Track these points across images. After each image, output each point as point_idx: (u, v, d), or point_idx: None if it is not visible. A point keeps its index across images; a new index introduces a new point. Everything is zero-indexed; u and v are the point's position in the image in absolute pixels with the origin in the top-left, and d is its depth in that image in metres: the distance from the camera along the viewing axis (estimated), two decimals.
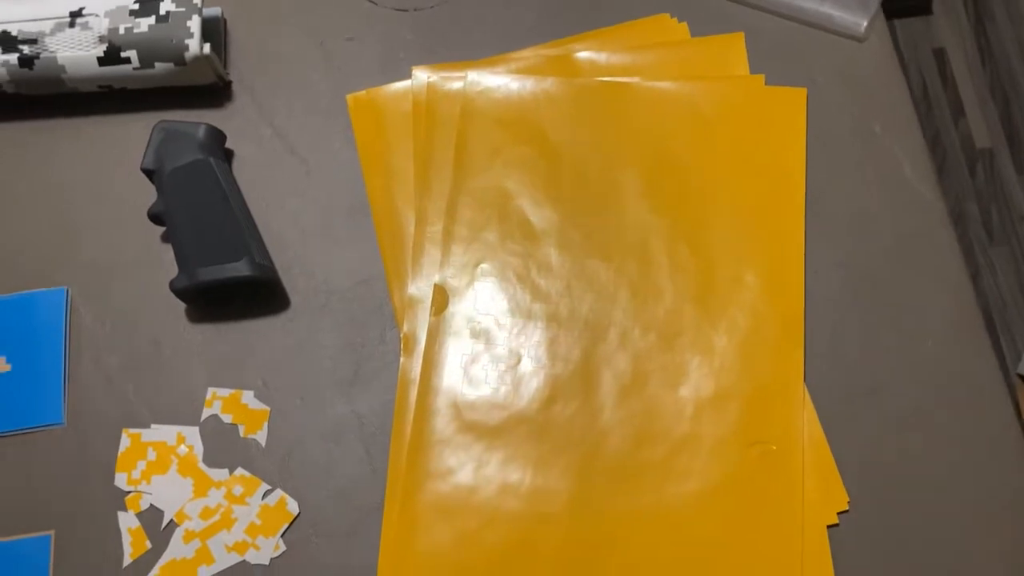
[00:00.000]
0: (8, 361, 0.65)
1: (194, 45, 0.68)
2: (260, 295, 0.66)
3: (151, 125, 0.68)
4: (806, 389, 0.62)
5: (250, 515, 0.60)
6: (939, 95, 1.52)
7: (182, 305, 0.66)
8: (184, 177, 0.65)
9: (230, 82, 0.72)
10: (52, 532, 0.61)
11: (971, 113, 1.51)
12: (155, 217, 0.66)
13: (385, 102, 0.71)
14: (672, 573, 0.58)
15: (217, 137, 0.68)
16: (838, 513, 0.59)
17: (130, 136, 0.71)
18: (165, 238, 0.68)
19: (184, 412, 0.63)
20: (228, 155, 0.70)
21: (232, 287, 0.64)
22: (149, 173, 0.66)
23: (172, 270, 0.66)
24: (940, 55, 1.54)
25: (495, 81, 0.70)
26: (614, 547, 0.59)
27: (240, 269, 0.63)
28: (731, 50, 0.69)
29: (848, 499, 0.59)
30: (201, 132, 0.67)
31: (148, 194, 0.68)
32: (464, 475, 0.61)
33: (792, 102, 0.68)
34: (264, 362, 0.64)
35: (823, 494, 0.59)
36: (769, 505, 0.59)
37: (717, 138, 0.68)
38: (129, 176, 0.69)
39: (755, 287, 0.64)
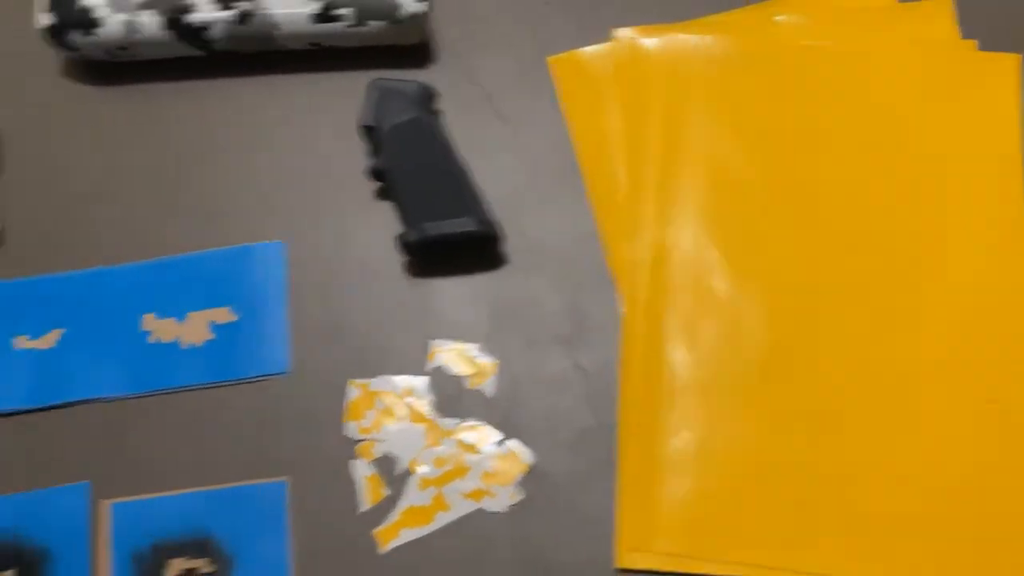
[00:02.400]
0: (235, 311, 0.66)
1: (410, 3, 0.68)
2: (480, 252, 0.67)
3: (356, 83, 0.69)
4: None
5: (484, 464, 0.62)
6: None
7: (398, 260, 0.67)
8: (404, 134, 0.66)
9: (433, 43, 0.73)
10: (287, 479, 0.62)
11: None
12: (376, 173, 0.67)
13: (588, 64, 0.71)
14: (909, 528, 0.59)
15: (431, 95, 0.69)
16: None
17: (336, 94, 0.72)
18: (380, 194, 0.69)
19: (408, 364, 0.64)
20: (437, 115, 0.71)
21: (456, 243, 0.64)
22: (368, 130, 0.67)
23: (386, 225, 0.67)
24: None
25: (696, 43, 0.71)
26: (848, 501, 0.60)
27: (467, 224, 0.64)
28: (939, 14, 0.70)
29: None
30: (416, 90, 0.68)
31: (355, 150, 0.69)
32: (694, 431, 0.62)
33: (1005, 69, 0.68)
34: (484, 317, 0.65)
35: None
36: (1013, 466, 0.60)
37: (925, 107, 0.68)
38: (337, 133, 0.70)
39: (974, 256, 0.65)
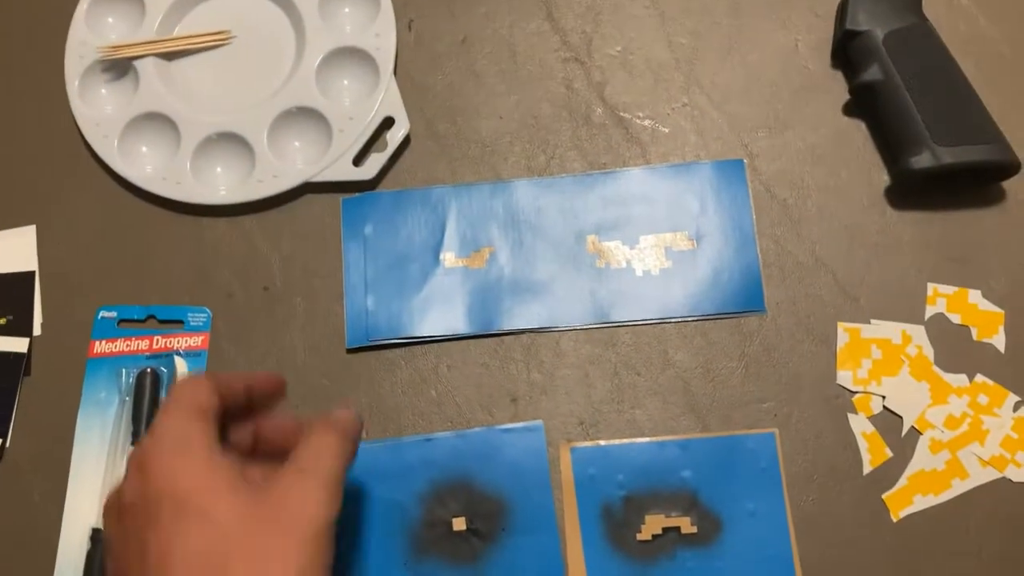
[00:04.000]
0: (692, 236, 0.58)
1: None
2: (985, 185, 0.58)
3: None
4: None
5: (1003, 428, 0.54)
6: None
7: (877, 188, 0.58)
8: (903, 42, 0.57)
9: None
10: (775, 430, 0.55)
11: None
12: (865, 87, 0.58)
13: None
14: None
15: None
16: None
17: None
18: (857, 110, 0.60)
19: (902, 308, 0.56)
20: None
21: (971, 172, 0.56)
22: (850, 35, 0.58)
23: (863, 145, 0.59)
24: None
25: None
26: None
27: (995, 153, 0.55)
28: None
29: None
30: None
31: (815, 54, 0.60)
32: None
33: None
34: (988, 259, 0.57)
35: None
36: None
37: None
38: (792, 32, 0.61)
39: None
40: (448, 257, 0.58)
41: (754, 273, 0.57)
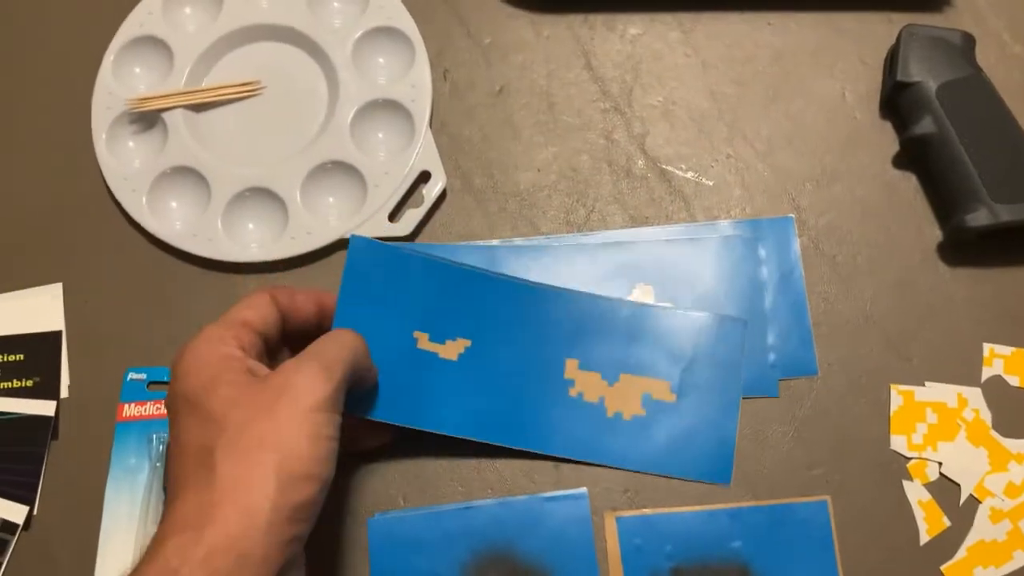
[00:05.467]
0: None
1: None
2: None
3: (862, 26, 0.58)
4: None
5: None
6: None
7: (929, 243, 0.57)
8: (957, 94, 0.55)
9: None
10: (828, 498, 0.53)
11: None
12: (917, 140, 0.56)
13: None
14: None
15: (974, 47, 0.58)
16: None
17: (838, 38, 0.61)
18: (907, 163, 0.58)
19: (957, 369, 0.54)
20: None
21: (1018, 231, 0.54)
22: (902, 87, 0.56)
23: (914, 198, 0.57)
24: None
25: None
26: None
27: None
28: None
29: None
30: (962, 40, 0.57)
31: (864, 105, 0.59)
32: None
33: None
34: None
35: None
36: None
37: None
38: (838, 82, 0.60)
39: None
40: (422, 338, 0.53)
41: (807, 336, 0.55)
